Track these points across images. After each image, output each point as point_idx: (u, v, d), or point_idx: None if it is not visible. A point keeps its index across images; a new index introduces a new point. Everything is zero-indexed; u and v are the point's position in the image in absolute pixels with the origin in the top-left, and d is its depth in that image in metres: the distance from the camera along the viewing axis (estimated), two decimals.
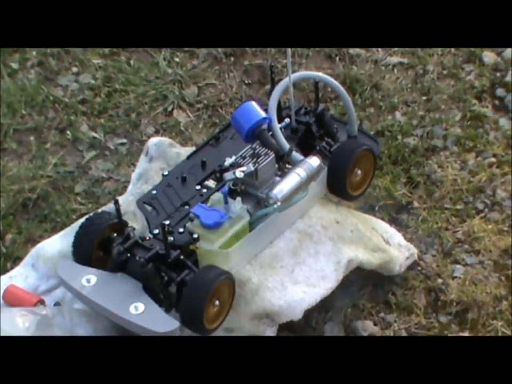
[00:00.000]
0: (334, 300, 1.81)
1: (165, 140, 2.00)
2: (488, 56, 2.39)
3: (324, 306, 1.79)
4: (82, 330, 1.65)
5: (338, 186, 1.80)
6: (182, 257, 1.64)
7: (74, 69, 2.47)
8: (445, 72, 2.38)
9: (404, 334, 1.81)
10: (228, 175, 1.70)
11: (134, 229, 1.70)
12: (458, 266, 1.92)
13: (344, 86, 2.07)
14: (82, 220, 1.74)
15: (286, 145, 1.77)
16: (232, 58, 2.46)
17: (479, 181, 2.09)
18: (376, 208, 2.03)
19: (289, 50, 1.80)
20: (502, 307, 1.83)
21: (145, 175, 1.93)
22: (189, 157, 1.86)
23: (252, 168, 1.68)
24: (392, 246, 1.86)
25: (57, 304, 1.74)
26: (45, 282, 1.80)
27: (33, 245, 1.92)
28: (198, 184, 1.77)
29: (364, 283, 1.87)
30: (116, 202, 1.68)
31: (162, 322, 1.57)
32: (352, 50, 2.44)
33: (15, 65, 2.48)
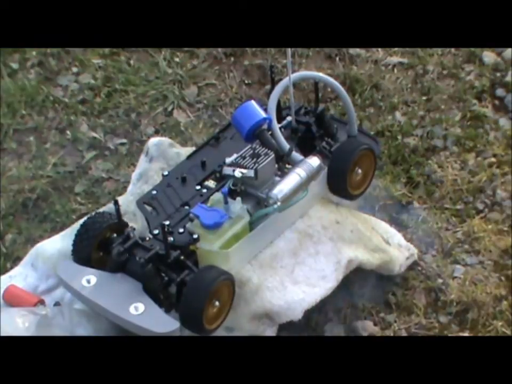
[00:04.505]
0: (334, 300, 1.81)
1: (165, 140, 2.00)
2: (488, 56, 2.39)
3: (324, 306, 1.79)
4: (82, 330, 1.65)
5: (339, 186, 1.80)
6: (182, 257, 1.64)
7: (74, 69, 2.47)
8: (445, 72, 2.38)
9: (404, 334, 1.81)
10: (227, 170, 1.70)
11: (134, 229, 1.70)
12: (458, 266, 1.92)
13: (344, 86, 2.07)
14: (82, 220, 1.74)
15: (286, 145, 1.77)
16: (232, 58, 2.46)
17: (479, 181, 2.09)
18: (376, 208, 2.03)
19: (289, 50, 1.80)
20: (502, 307, 1.83)
21: (145, 175, 1.93)
22: (189, 157, 1.86)
23: (252, 174, 1.68)
24: (392, 246, 1.86)
25: (57, 304, 1.74)
26: (44, 281, 1.81)
27: (33, 245, 1.92)
28: (198, 184, 1.77)
29: (363, 283, 1.87)
30: (116, 203, 1.68)
31: (162, 323, 1.57)
32: (352, 50, 2.44)
33: (15, 65, 2.48)
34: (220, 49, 2.47)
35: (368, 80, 2.35)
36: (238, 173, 1.68)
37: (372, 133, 2.16)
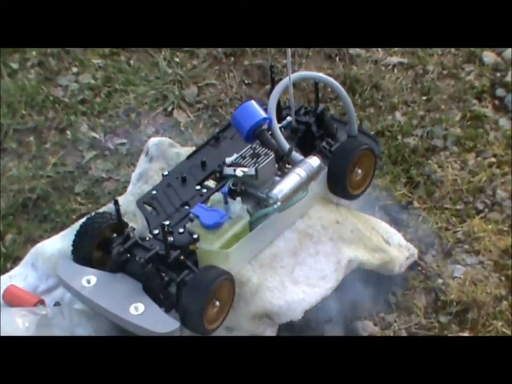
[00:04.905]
0: (334, 300, 1.81)
1: (165, 140, 2.00)
2: (488, 56, 2.39)
3: (324, 306, 1.79)
4: (82, 330, 1.65)
5: (339, 186, 1.80)
6: (182, 257, 1.64)
7: (74, 69, 2.47)
8: (445, 72, 2.38)
9: (404, 334, 1.81)
10: (228, 170, 1.70)
11: (134, 229, 1.70)
12: (458, 266, 1.92)
13: (344, 86, 2.08)
14: (82, 220, 1.74)
15: (286, 145, 1.77)
16: (232, 58, 2.46)
17: (479, 181, 2.09)
18: (376, 208, 2.03)
19: (289, 50, 1.80)
20: (502, 307, 1.83)
21: (145, 175, 1.93)
22: (188, 157, 1.86)
23: (253, 172, 1.68)
24: (392, 246, 1.86)
25: (57, 304, 1.74)
26: (44, 281, 1.81)
27: (33, 245, 1.92)
28: (198, 184, 1.77)
29: (364, 283, 1.87)
30: (116, 203, 1.68)
31: (162, 323, 1.57)
32: (352, 50, 2.44)
33: (15, 65, 2.48)
34: (220, 49, 2.47)
35: (368, 80, 2.35)
36: (239, 172, 1.68)
37: (372, 133, 2.16)
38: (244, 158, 1.72)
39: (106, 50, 2.50)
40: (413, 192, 2.08)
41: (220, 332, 1.64)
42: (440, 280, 1.89)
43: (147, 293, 1.62)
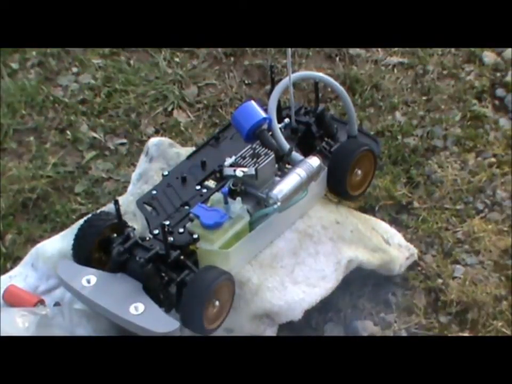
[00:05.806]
0: (334, 300, 1.81)
1: (165, 140, 2.00)
2: (488, 56, 2.39)
3: (324, 306, 1.79)
4: (82, 330, 1.65)
5: (339, 186, 1.80)
6: (182, 257, 1.64)
7: (74, 69, 2.47)
8: (445, 72, 2.38)
9: (404, 334, 1.81)
10: (228, 170, 1.70)
11: (134, 229, 1.70)
12: (458, 266, 1.92)
13: (344, 86, 2.08)
14: (82, 220, 1.74)
15: (286, 145, 1.77)
16: (232, 58, 2.46)
17: (479, 181, 2.09)
18: (376, 208, 2.03)
19: (289, 50, 1.80)
20: (502, 307, 1.83)
21: (145, 175, 1.93)
22: (188, 157, 1.86)
23: (253, 171, 1.68)
24: (392, 246, 1.86)
25: (57, 304, 1.74)
26: (44, 282, 1.81)
27: (33, 245, 1.92)
28: (198, 184, 1.77)
29: (364, 283, 1.87)
30: (116, 203, 1.68)
31: (162, 323, 1.57)
32: (352, 50, 2.44)
33: (15, 65, 2.48)
34: (220, 49, 2.47)
35: (368, 80, 2.35)
36: (239, 172, 1.68)
37: (372, 133, 2.16)
38: (244, 158, 1.72)
39: (106, 50, 2.50)
40: (413, 192, 2.08)
41: (220, 332, 1.64)
42: (440, 280, 1.89)
43: (147, 293, 1.61)
